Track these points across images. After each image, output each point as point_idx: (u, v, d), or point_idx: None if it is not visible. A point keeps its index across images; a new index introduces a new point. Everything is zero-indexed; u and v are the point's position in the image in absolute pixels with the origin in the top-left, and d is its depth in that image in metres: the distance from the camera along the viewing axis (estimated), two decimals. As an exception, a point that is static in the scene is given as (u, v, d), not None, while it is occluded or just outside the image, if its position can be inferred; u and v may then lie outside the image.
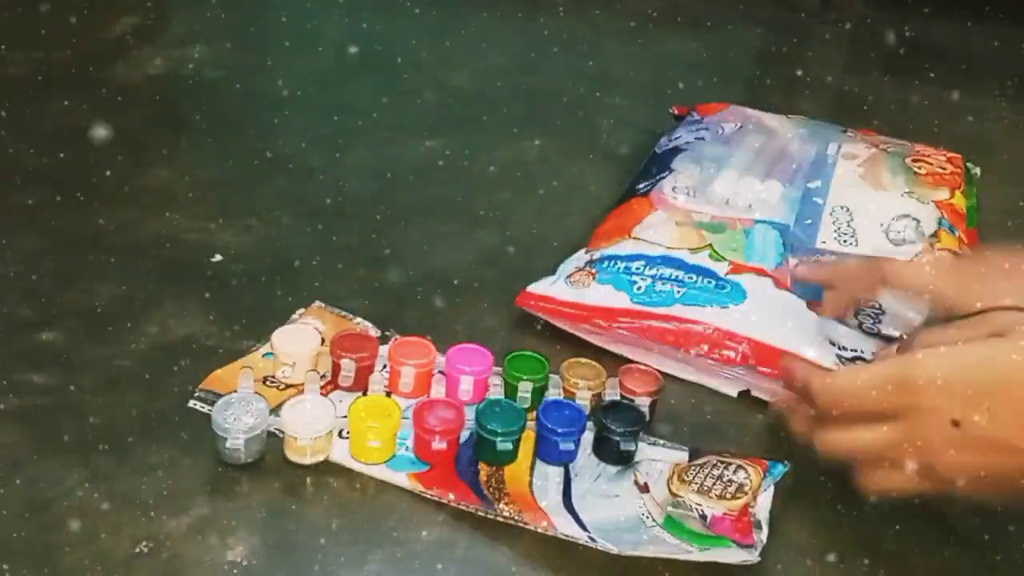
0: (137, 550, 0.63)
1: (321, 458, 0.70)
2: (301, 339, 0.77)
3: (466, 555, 0.65)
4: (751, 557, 0.63)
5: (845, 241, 0.91)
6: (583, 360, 0.78)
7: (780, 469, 0.70)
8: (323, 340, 0.78)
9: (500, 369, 0.77)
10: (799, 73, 1.35)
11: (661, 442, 0.74)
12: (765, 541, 0.64)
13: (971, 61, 1.40)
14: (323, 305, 0.84)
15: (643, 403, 0.75)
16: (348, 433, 0.71)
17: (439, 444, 0.70)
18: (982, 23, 1.49)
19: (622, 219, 0.93)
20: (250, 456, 0.69)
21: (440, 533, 0.66)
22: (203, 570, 0.62)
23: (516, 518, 0.66)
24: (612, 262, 0.87)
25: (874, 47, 1.43)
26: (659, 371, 0.78)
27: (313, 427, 0.69)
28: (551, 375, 0.77)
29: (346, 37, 1.30)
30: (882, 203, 0.95)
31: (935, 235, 0.91)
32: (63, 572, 0.61)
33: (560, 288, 0.85)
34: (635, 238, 0.89)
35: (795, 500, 0.70)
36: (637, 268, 0.86)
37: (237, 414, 0.69)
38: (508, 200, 1.04)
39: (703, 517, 0.65)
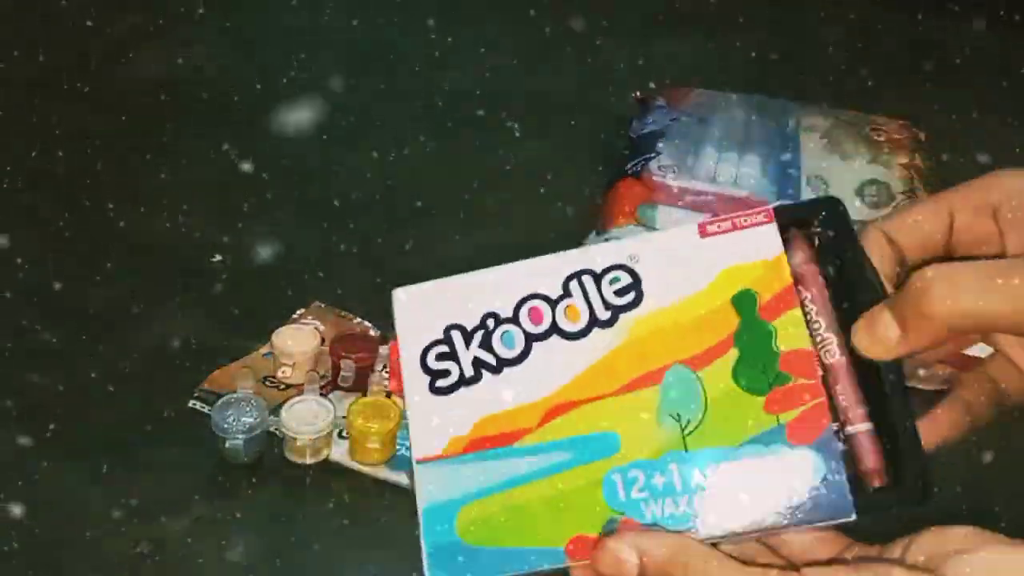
0: (137, 550, 0.63)
1: (321, 458, 0.70)
2: (301, 339, 0.77)
3: (466, 555, 0.65)
4: None
5: None
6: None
7: None
8: (323, 340, 0.78)
9: (500, 369, 0.77)
10: (799, 73, 1.35)
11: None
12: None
13: (973, 62, 1.40)
14: (323, 305, 0.84)
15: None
16: (347, 433, 0.71)
17: (439, 444, 0.70)
18: (985, 24, 1.49)
19: (621, 201, 0.96)
20: (250, 456, 0.69)
21: (440, 533, 0.66)
22: (203, 570, 0.62)
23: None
24: None
25: (874, 47, 1.43)
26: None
27: (313, 427, 0.69)
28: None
29: (346, 37, 1.30)
30: (850, 170, 1.00)
31: (912, 192, 0.97)
32: (63, 572, 0.61)
33: None
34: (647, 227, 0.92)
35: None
36: None
37: (237, 414, 0.69)
38: (508, 200, 1.04)
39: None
